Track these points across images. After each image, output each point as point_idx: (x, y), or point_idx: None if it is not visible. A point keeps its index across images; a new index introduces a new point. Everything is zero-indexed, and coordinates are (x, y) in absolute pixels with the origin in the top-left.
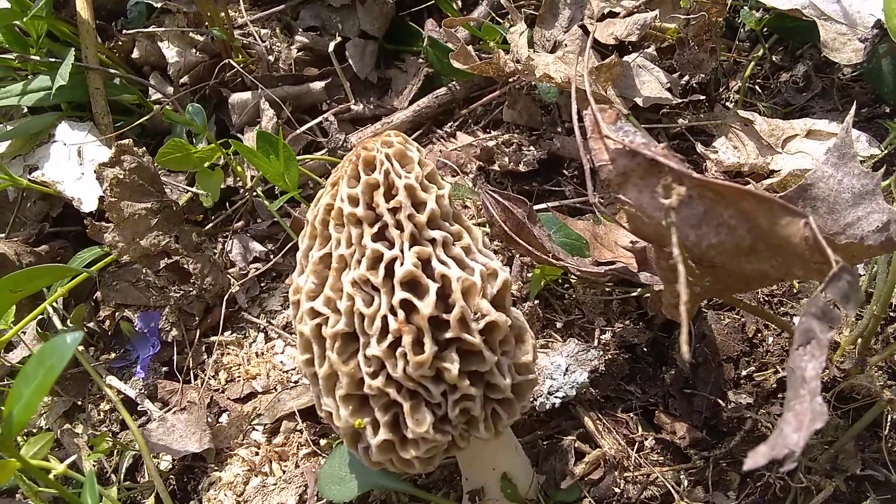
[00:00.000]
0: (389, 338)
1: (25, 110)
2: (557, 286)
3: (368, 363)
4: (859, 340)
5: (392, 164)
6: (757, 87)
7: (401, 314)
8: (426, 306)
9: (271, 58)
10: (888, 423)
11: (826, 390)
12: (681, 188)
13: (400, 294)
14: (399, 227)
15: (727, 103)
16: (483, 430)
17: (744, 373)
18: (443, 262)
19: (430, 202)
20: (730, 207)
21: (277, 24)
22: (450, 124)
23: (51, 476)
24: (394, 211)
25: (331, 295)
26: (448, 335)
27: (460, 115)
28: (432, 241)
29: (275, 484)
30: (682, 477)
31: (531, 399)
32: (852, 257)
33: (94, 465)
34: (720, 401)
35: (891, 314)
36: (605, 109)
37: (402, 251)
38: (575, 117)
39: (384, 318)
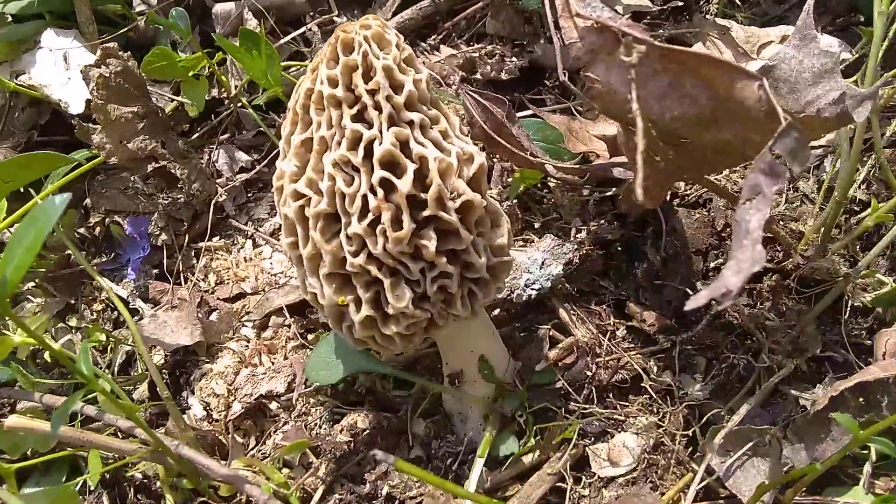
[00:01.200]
0: (370, 216)
1: (10, 19)
2: (537, 190)
3: (350, 242)
4: (822, 230)
5: (370, 46)
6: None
7: (380, 192)
8: (404, 184)
9: None
10: (847, 307)
11: (789, 276)
12: (640, 47)
13: (379, 173)
14: (377, 108)
15: (706, 14)
16: (460, 307)
17: (712, 265)
18: (420, 144)
19: (407, 84)
20: (691, 76)
21: None
22: (433, 37)
23: (46, 356)
24: (372, 92)
25: (313, 176)
26: (426, 213)
27: (444, 28)
28: (410, 123)
29: (264, 373)
30: (650, 362)
31: (508, 289)
32: (812, 131)
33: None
34: (689, 291)
35: (853, 208)
36: None
37: (380, 131)
38: (548, 6)
39: (364, 196)
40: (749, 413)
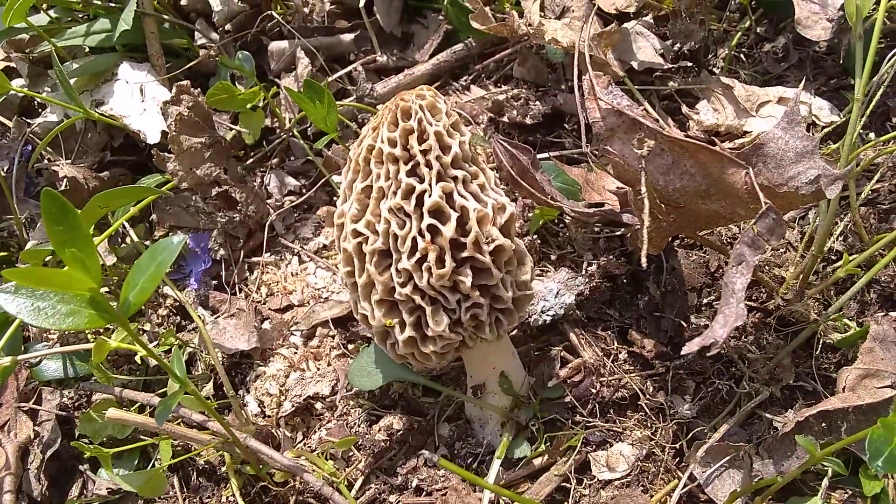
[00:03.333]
0: (417, 255)
1: (87, 50)
2: (553, 225)
3: (399, 275)
4: (801, 276)
5: (424, 114)
6: (742, 56)
7: (428, 236)
8: (448, 230)
9: (307, 10)
10: (819, 345)
11: (770, 315)
12: (650, 141)
13: (427, 220)
14: (429, 165)
15: (713, 69)
16: (488, 332)
17: (704, 301)
18: (462, 196)
19: (454, 146)
20: (690, 158)
21: None
22: (465, 78)
23: (136, 358)
24: (424, 152)
25: (371, 219)
26: (464, 254)
27: (475, 69)
28: (455, 179)
29: (311, 377)
30: (647, 383)
31: (527, 315)
32: (790, 204)
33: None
34: (683, 322)
35: (831, 257)
36: (600, 76)
37: (430, 185)
38: (576, 79)
39: (414, 238)
40: (729, 431)
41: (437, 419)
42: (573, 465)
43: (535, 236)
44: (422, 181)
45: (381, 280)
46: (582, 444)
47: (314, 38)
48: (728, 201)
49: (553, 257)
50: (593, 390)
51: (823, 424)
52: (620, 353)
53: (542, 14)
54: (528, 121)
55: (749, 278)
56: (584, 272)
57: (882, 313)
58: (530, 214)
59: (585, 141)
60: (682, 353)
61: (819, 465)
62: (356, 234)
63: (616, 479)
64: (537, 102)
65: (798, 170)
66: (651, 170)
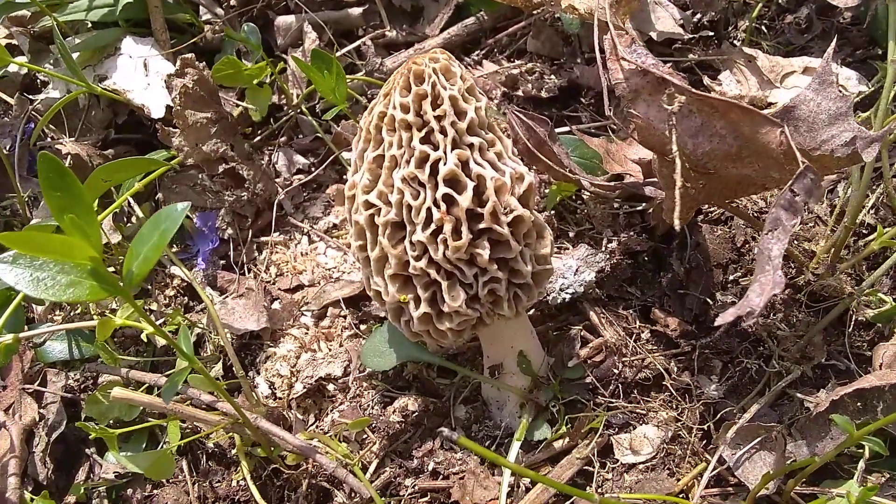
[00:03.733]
0: (432, 226)
1: (90, 25)
2: (571, 202)
3: (413, 248)
4: (832, 250)
5: (438, 77)
6: (763, 27)
7: (443, 206)
8: (465, 199)
9: None
10: (852, 321)
11: (800, 291)
12: (681, 96)
13: (443, 189)
14: (443, 132)
15: (734, 41)
16: (506, 308)
17: (731, 277)
18: (479, 164)
19: (470, 112)
20: (721, 119)
21: None
22: (477, 53)
23: (143, 336)
24: (439, 118)
25: (383, 189)
26: (482, 226)
27: (487, 44)
28: (470, 146)
29: (323, 358)
30: (672, 363)
31: (545, 293)
32: (824, 168)
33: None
34: (709, 300)
35: (862, 231)
36: (623, 34)
37: (445, 153)
38: (596, 43)
39: (429, 209)
40: (759, 412)
41: (453, 401)
42: (595, 447)
43: (552, 213)
44: (436, 148)
45: (395, 253)
46: (604, 427)
47: (322, 11)
48: (761, 164)
49: (571, 234)
50: (615, 371)
51: (859, 404)
52: (643, 332)
53: None
54: (543, 94)
55: (786, 244)
56: (604, 249)
57: None
58: (546, 191)
59: (608, 106)
60: (717, 323)
61: (853, 446)
62: (368, 205)
63: (640, 463)
64: (552, 76)
65: (832, 132)
66: (679, 133)
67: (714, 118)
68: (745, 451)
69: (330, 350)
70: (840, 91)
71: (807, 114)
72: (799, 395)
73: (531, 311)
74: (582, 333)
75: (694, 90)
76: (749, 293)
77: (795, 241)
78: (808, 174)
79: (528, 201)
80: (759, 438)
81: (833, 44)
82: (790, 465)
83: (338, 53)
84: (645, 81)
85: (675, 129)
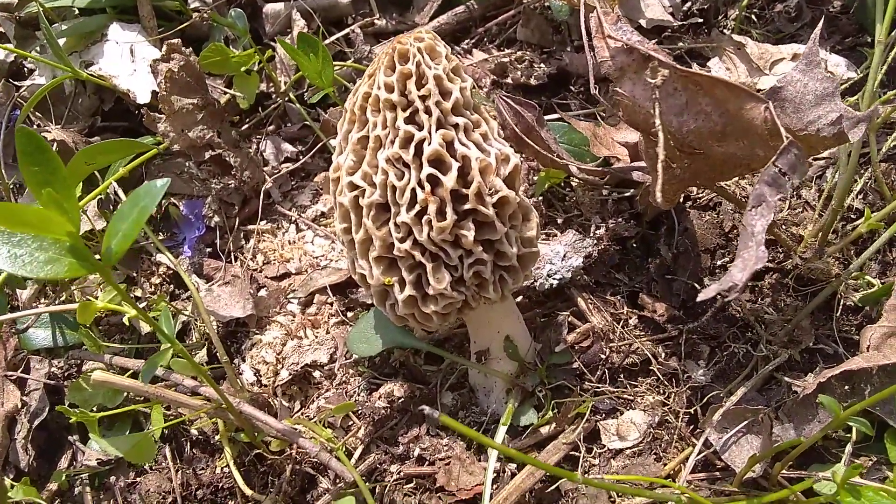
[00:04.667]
0: (417, 207)
1: (76, 12)
2: (559, 189)
3: (398, 229)
4: (819, 234)
5: (423, 57)
6: (752, 16)
7: (427, 187)
8: (449, 180)
9: None
10: (839, 305)
11: (787, 275)
12: (665, 71)
13: (427, 170)
14: (428, 112)
15: (724, 29)
16: (492, 291)
17: (719, 262)
18: (464, 144)
19: (454, 91)
20: (706, 96)
21: None
22: (466, 41)
23: (125, 320)
24: (423, 98)
25: (367, 170)
26: (466, 206)
27: (476, 32)
28: (455, 126)
29: (309, 345)
30: (659, 348)
31: (533, 279)
32: (811, 148)
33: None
34: (696, 285)
35: (850, 216)
36: (609, 12)
37: (429, 133)
38: (582, 23)
39: (413, 190)
40: (745, 395)
41: (440, 387)
42: (582, 433)
43: (540, 199)
44: (421, 128)
45: (379, 235)
46: (591, 412)
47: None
48: (746, 141)
49: (559, 221)
50: (602, 356)
51: (847, 386)
52: (630, 317)
53: None
54: (532, 82)
55: (770, 220)
56: (592, 235)
57: None
58: (535, 178)
59: (594, 85)
60: (699, 299)
61: (840, 430)
62: (352, 186)
63: (627, 448)
64: (542, 64)
65: (818, 113)
66: (664, 110)
67: (699, 95)
68: (731, 434)
69: (316, 337)
70: (827, 72)
71: (793, 94)
72: (786, 378)
73: (518, 298)
74: (569, 319)
75: (678, 66)
76: (731, 268)
77: (783, 226)
78: (791, 149)
79: (513, 183)
80: (745, 422)
81: (820, 25)
82: (776, 447)
83: (327, 41)
84: (630, 59)
85: (658, 105)
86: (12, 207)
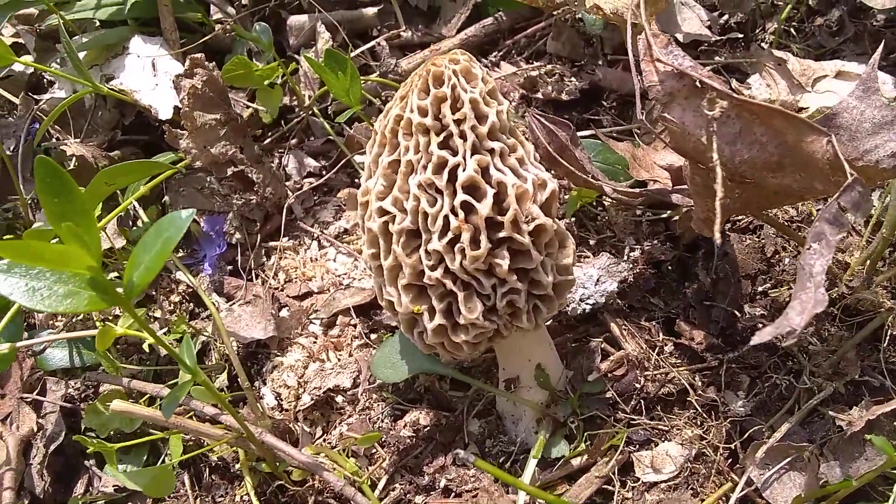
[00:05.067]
0: (449, 235)
1: (98, 24)
2: (592, 208)
3: (429, 257)
4: (868, 262)
5: (458, 80)
6: (792, 30)
7: (461, 214)
8: (484, 207)
9: None
10: (887, 336)
11: (834, 304)
12: (723, 101)
13: (461, 196)
14: (462, 136)
15: (762, 43)
16: (525, 321)
17: (760, 289)
18: (500, 170)
19: (491, 115)
20: (762, 125)
21: None
22: (494, 54)
23: (145, 346)
24: (458, 122)
25: (398, 196)
26: (501, 234)
27: (505, 45)
28: (491, 151)
29: (332, 368)
30: (696, 378)
31: (565, 305)
32: (867, 179)
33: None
34: (737, 312)
35: None
36: (659, 35)
37: (464, 158)
38: (629, 44)
39: (446, 217)
40: (789, 430)
41: (467, 414)
42: (615, 465)
43: (572, 220)
44: (455, 154)
45: (409, 262)
46: (625, 444)
47: (336, 11)
48: (804, 173)
49: (592, 242)
50: (637, 385)
51: None
52: (666, 345)
53: None
54: (563, 97)
55: (829, 260)
56: (626, 258)
57: None
58: (566, 197)
59: (640, 109)
60: (753, 343)
61: (889, 469)
62: (382, 212)
63: (662, 482)
64: (573, 78)
65: (876, 142)
66: (726, 134)
67: (755, 124)
68: (774, 471)
69: (339, 360)
70: (885, 99)
71: (849, 122)
72: (831, 412)
73: (549, 322)
74: (602, 346)
75: (735, 95)
76: (788, 311)
77: None
78: (856, 186)
79: (550, 209)
80: (788, 458)
81: (880, 49)
82: (824, 488)
83: (352, 54)
84: (681, 84)
85: (715, 136)
86: (32, 246)
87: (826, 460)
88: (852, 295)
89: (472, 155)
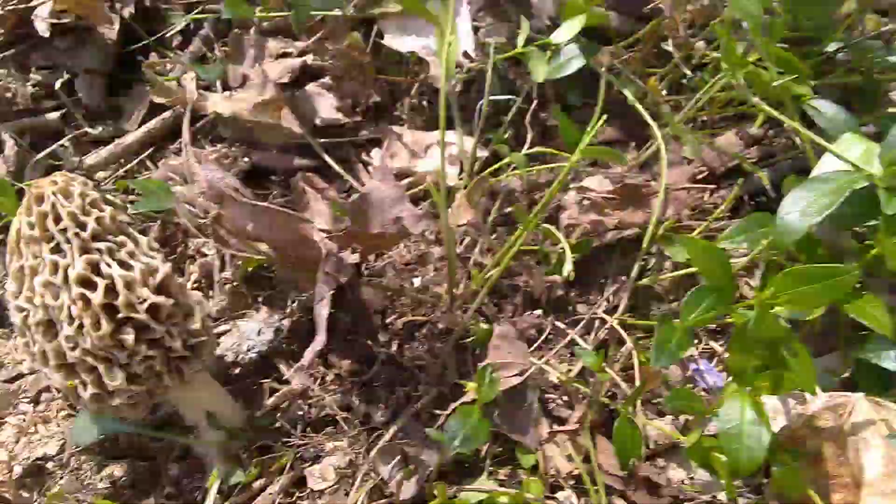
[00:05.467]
0: (76, 322)
1: None
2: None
3: (67, 340)
4: (453, 290)
5: (57, 198)
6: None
7: (80, 304)
8: (97, 297)
9: (9, 94)
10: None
11: (435, 325)
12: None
13: (76, 289)
14: (69, 242)
15: (400, 117)
16: (168, 380)
17: (388, 321)
18: (108, 265)
19: (90, 223)
20: (277, 219)
21: (12, 64)
22: (178, 141)
23: None
24: (63, 231)
25: (29, 294)
26: (120, 315)
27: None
28: (99, 251)
29: (39, 439)
30: (352, 397)
31: (235, 355)
32: (391, 241)
33: None
34: (371, 342)
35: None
36: (202, 152)
37: (73, 259)
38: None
39: (69, 307)
40: (400, 429)
41: (166, 461)
42: (290, 481)
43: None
44: (65, 256)
45: (51, 347)
46: (298, 461)
47: (21, 120)
48: (307, 247)
49: (260, 299)
50: (300, 412)
51: None
52: (327, 375)
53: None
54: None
55: (329, 310)
56: (287, 311)
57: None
58: (240, 262)
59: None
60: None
61: None
62: (19, 309)
63: (328, 488)
64: (246, 158)
65: (393, 213)
66: (257, 228)
67: (274, 219)
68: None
69: (47, 431)
70: (395, 183)
71: (377, 198)
72: (437, 411)
73: (232, 370)
74: (271, 385)
75: (249, 202)
76: (311, 346)
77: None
78: (331, 257)
79: (168, 288)
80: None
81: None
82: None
83: (36, 157)
84: (222, 193)
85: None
86: None
87: None
88: (444, 315)
89: (82, 255)
